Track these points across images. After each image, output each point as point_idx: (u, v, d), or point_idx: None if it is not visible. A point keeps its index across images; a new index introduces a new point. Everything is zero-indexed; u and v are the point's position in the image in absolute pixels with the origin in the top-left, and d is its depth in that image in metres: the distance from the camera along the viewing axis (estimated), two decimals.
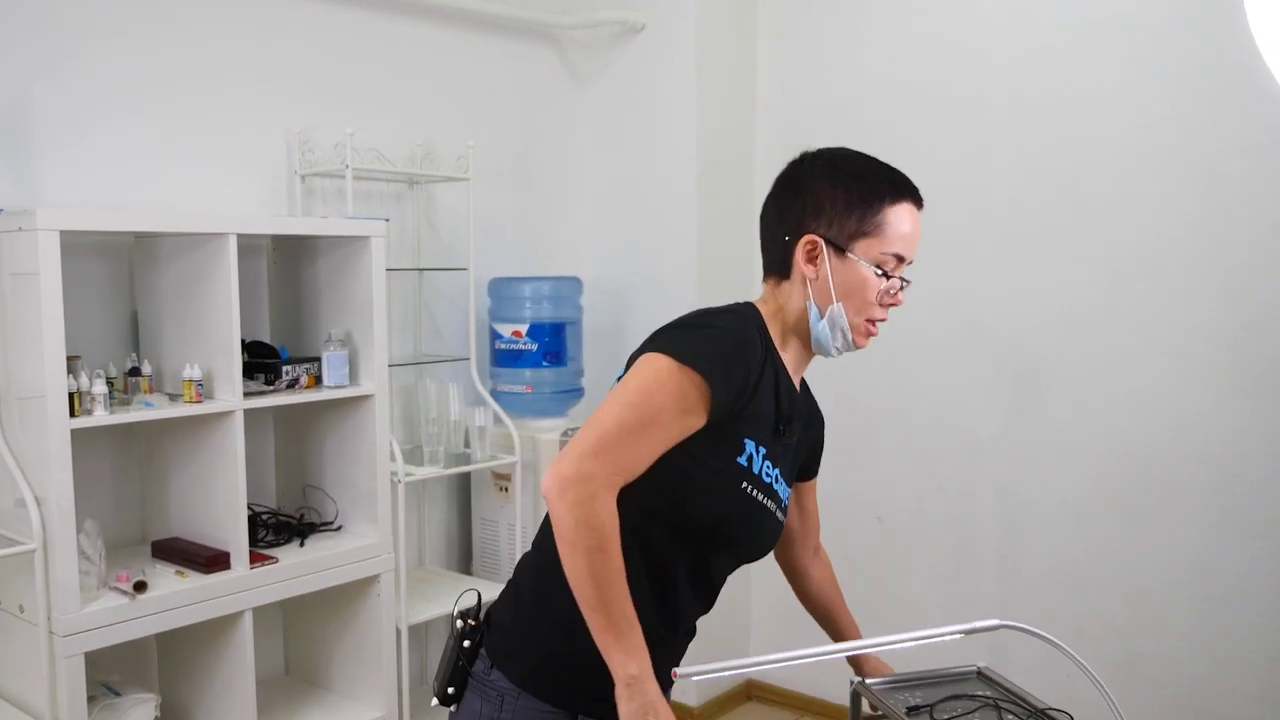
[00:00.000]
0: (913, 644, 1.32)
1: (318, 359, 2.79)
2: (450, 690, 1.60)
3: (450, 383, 3.25)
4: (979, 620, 1.46)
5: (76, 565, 2.29)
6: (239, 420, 2.53)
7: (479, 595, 1.69)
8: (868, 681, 1.64)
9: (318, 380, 2.79)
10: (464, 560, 3.63)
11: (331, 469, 2.98)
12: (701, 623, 1.67)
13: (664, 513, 1.49)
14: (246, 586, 2.57)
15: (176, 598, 2.44)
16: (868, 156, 1.58)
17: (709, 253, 3.69)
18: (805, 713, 3.82)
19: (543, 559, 1.60)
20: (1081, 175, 3.11)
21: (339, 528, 2.95)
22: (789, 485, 1.63)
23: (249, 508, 2.64)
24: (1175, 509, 3.01)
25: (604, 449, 1.38)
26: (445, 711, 1.63)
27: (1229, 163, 2.87)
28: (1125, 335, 3.07)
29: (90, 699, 2.36)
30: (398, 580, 2.96)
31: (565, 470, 1.37)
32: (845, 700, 1.65)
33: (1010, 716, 1.53)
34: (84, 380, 2.31)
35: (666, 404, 1.41)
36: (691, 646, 1.66)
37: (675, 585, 1.55)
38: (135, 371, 2.53)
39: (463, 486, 3.61)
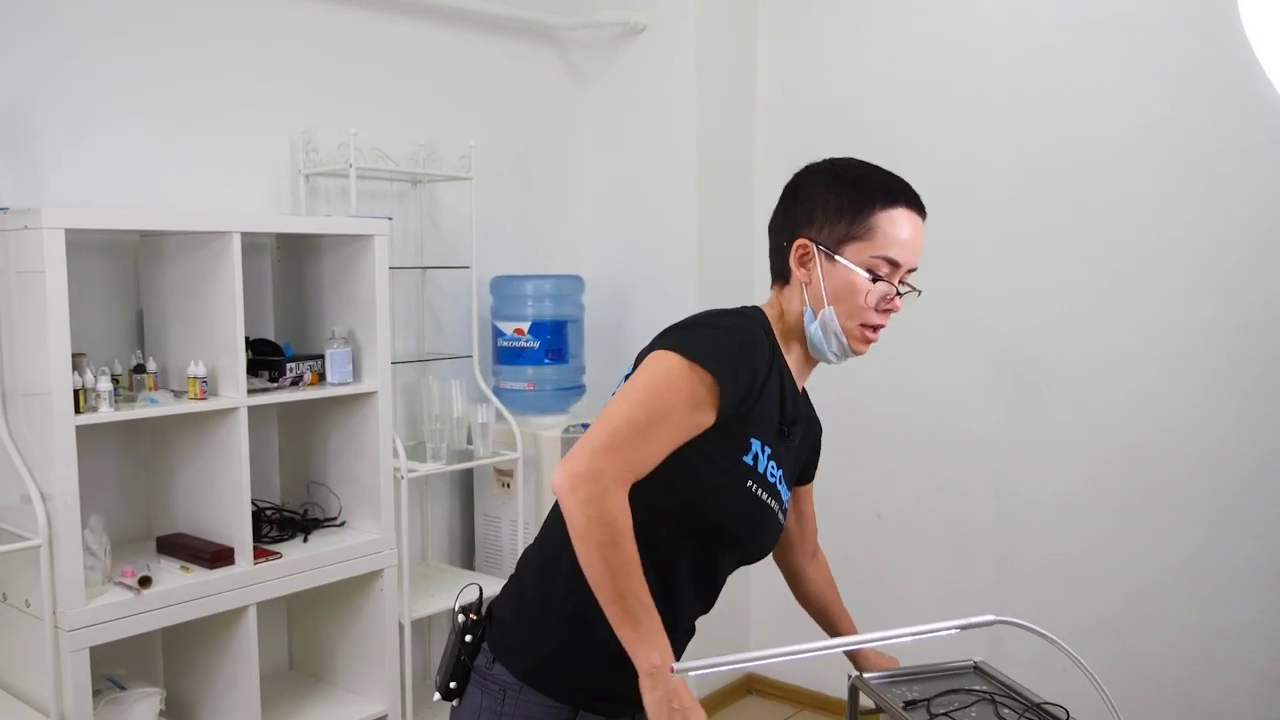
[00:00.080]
0: (910, 639, 1.34)
1: (321, 356, 2.81)
2: (452, 685, 1.61)
3: (453, 380, 3.27)
4: (976, 616, 1.47)
5: (82, 560, 2.31)
6: (243, 417, 2.55)
7: (480, 590, 1.69)
8: (865, 676, 1.66)
9: (321, 377, 2.80)
10: (467, 556, 3.65)
11: (335, 465, 2.99)
12: (702, 621, 1.68)
13: (673, 510, 1.50)
14: (251, 582, 2.59)
15: (181, 593, 2.46)
16: (869, 165, 1.59)
17: (709, 252, 3.70)
18: (805, 707, 3.84)
19: (545, 555, 1.61)
20: (1081, 175, 3.13)
21: (342, 523, 2.97)
22: (789, 488, 1.65)
23: (253, 504, 2.66)
24: (1171, 507, 3.03)
25: (614, 445, 1.39)
26: (439, 697, 1.63)
27: (1228, 163, 2.88)
28: (1123, 335, 3.08)
29: (95, 693, 2.37)
30: (401, 575, 2.98)
31: (576, 467, 1.38)
32: (844, 694, 1.67)
33: (1007, 711, 1.55)
34: (89, 377, 2.32)
35: (676, 401, 1.42)
36: (692, 643, 1.68)
37: (679, 584, 1.56)
38: (140, 368, 2.55)
39: (465, 483, 3.63)
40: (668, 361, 1.44)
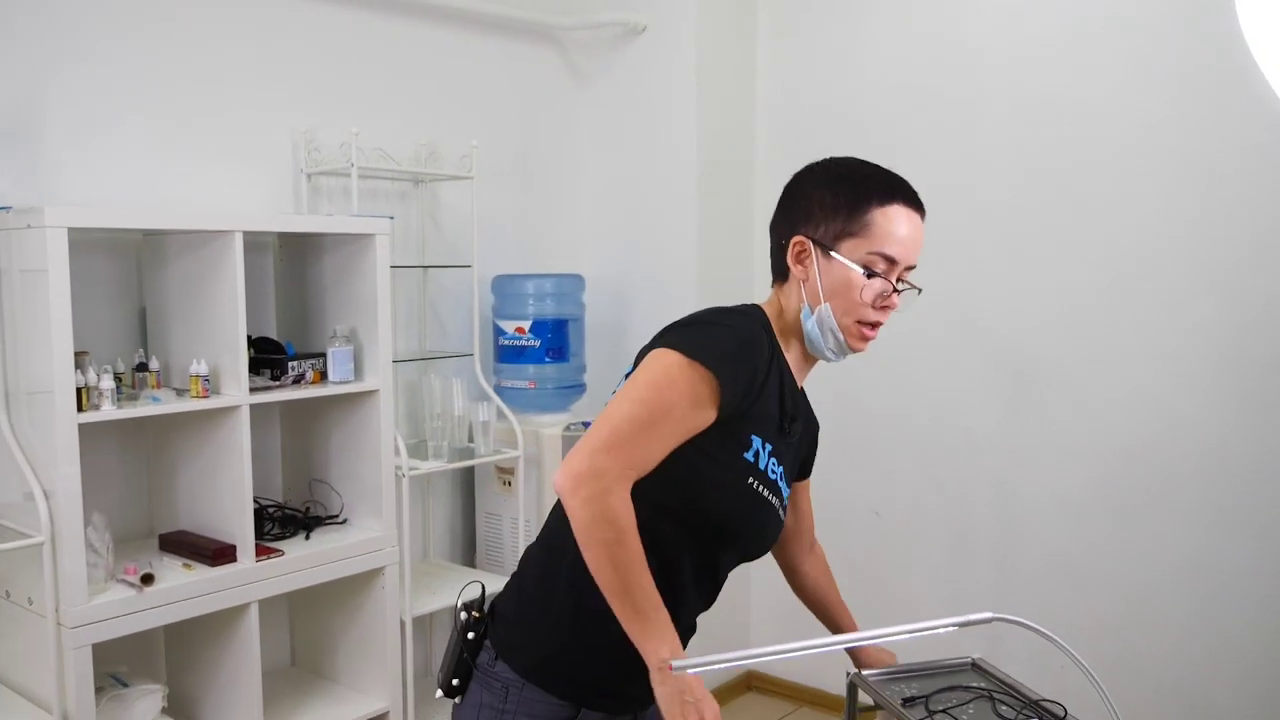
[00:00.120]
0: (908, 636, 1.34)
1: (323, 355, 2.82)
2: (454, 682, 1.61)
3: (454, 378, 3.28)
4: (973, 613, 1.48)
5: (84, 558, 2.32)
6: (245, 415, 2.56)
7: (483, 587, 1.69)
8: (864, 673, 1.66)
9: (323, 376, 2.81)
10: (468, 553, 3.66)
11: (337, 463, 3.00)
12: (702, 618, 1.69)
13: (675, 508, 1.50)
14: (253, 579, 2.60)
15: (183, 590, 2.47)
16: (868, 163, 1.59)
17: (709, 252, 3.71)
18: (804, 703, 3.85)
19: (547, 553, 1.62)
20: (1080, 175, 3.13)
21: (344, 521, 2.98)
22: (789, 485, 1.65)
23: (255, 501, 2.67)
24: (1171, 507, 3.03)
25: (616, 444, 1.39)
26: (443, 697, 1.64)
27: (1228, 163, 2.89)
28: (1123, 335, 3.09)
29: (98, 689, 2.38)
30: (402, 573, 2.99)
31: (578, 466, 1.38)
32: (843, 691, 1.68)
33: (1004, 708, 1.56)
34: (92, 375, 2.33)
35: (677, 399, 1.42)
36: (692, 641, 1.68)
37: (682, 582, 1.56)
38: (143, 367, 2.56)
39: (466, 480, 3.64)
40: (668, 360, 1.44)
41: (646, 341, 1.53)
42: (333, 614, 3.02)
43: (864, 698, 1.64)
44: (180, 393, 2.58)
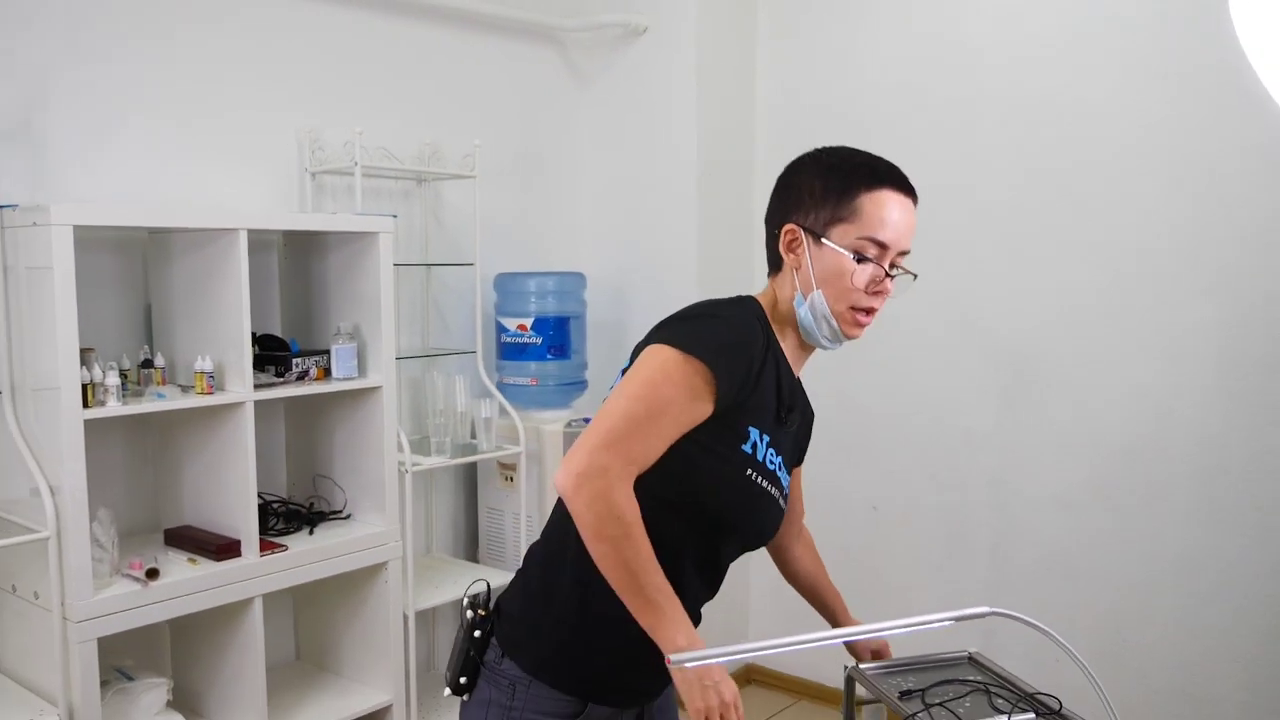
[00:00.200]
0: (905, 630, 1.36)
1: (327, 352, 2.83)
2: (462, 680, 1.61)
3: (457, 375, 3.30)
4: (970, 608, 1.50)
5: (90, 552, 2.33)
6: (249, 411, 2.57)
7: (488, 585, 1.70)
8: (861, 666, 1.68)
9: (327, 372, 2.83)
10: (470, 548, 3.68)
11: (340, 459, 3.02)
12: (702, 611, 1.71)
13: (674, 501, 1.50)
14: (257, 573, 2.62)
15: (188, 584, 2.49)
16: (858, 151, 1.58)
17: (709, 252, 3.73)
18: (803, 696, 3.87)
19: (549, 550, 1.62)
20: (1080, 175, 3.14)
21: (348, 516, 3.00)
22: (789, 473, 1.65)
23: (259, 496, 2.69)
24: (1167, 504, 3.05)
25: (614, 441, 1.40)
26: (451, 695, 1.64)
27: (1227, 163, 2.90)
28: (1122, 334, 3.10)
29: (103, 683, 2.39)
30: (405, 567, 3.01)
31: (578, 465, 1.39)
32: (841, 684, 1.70)
33: (1000, 701, 1.58)
34: (97, 372, 2.34)
35: (673, 394, 1.43)
36: (696, 631, 1.70)
37: (685, 575, 1.56)
38: (148, 363, 2.57)
39: (469, 476, 3.66)
40: (663, 355, 1.45)
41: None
42: (336, 608, 3.04)
43: (862, 691, 1.66)
44: (185, 389, 2.60)
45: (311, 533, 2.86)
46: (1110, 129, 3.08)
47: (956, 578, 3.48)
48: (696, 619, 1.67)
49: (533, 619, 1.60)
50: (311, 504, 3.02)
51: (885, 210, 1.51)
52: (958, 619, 1.48)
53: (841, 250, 1.51)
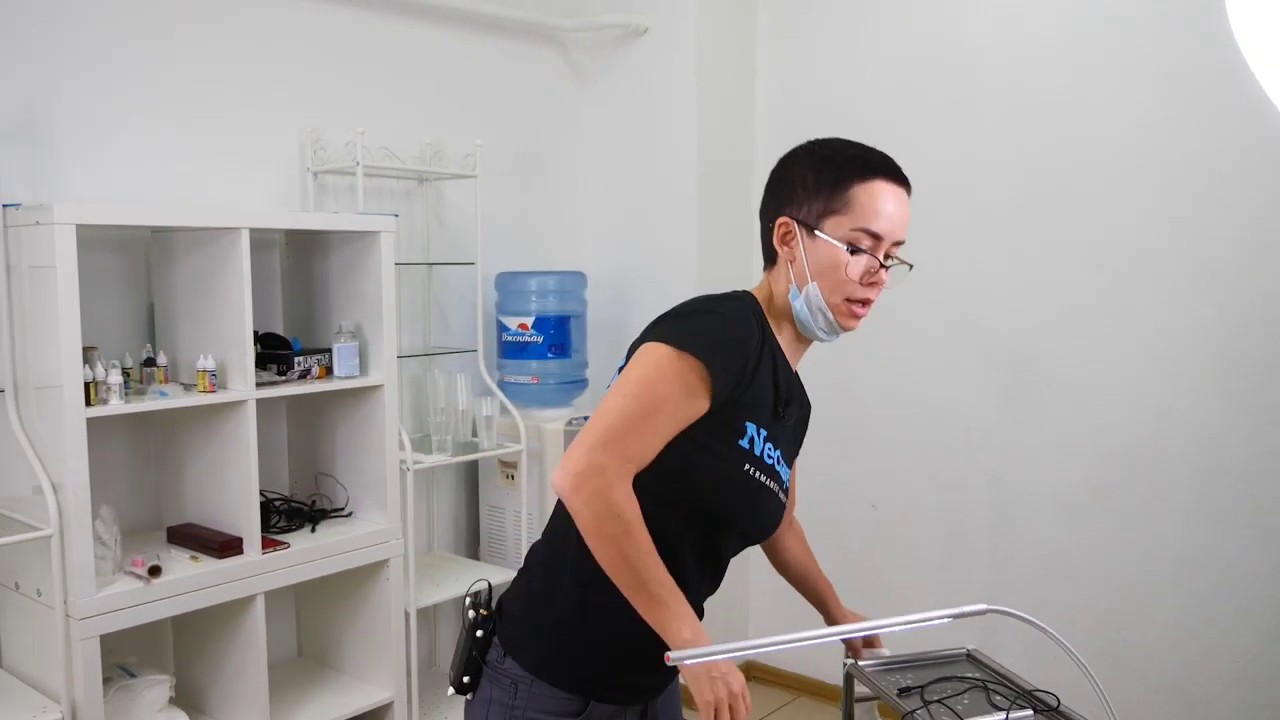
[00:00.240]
0: (904, 628, 1.37)
1: (329, 350, 2.84)
2: (465, 679, 1.62)
3: (458, 374, 3.31)
4: (969, 605, 1.50)
5: (92, 550, 2.34)
6: (252, 409, 2.58)
7: (489, 585, 1.70)
8: (860, 663, 1.69)
9: (329, 371, 2.84)
10: (471, 546, 3.69)
11: (342, 457, 3.03)
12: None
13: (672, 498, 1.50)
14: (259, 571, 2.63)
15: (190, 582, 2.50)
16: (851, 143, 1.58)
17: (709, 252, 3.74)
18: (802, 693, 3.88)
19: (551, 548, 1.63)
20: (1079, 175, 3.14)
21: (350, 514, 3.01)
22: (788, 466, 1.65)
23: (262, 494, 2.69)
24: (1166, 503, 3.06)
25: (611, 440, 1.40)
26: (453, 692, 1.65)
27: (1226, 163, 2.90)
28: (1121, 334, 3.11)
29: (106, 680, 2.40)
30: (407, 565, 3.02)
31: (576, 465, 1.39)
32: (841, 681, 1.70)
33: (998, 698, 1.59)
34: (100, 370, 2.35)
35: (669, 392, 1.43)
36: None
37: (686, 571, 1.56)
38: (151, 362, 2.57)
39: (470, 474, 3.67)
40: (658, 353, 1.45)
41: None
42: (338, 605, 3.05)
43: (861, 688, 1.67)
44: (187, 387, 2.61)
45: (313, 530, 2.87)
46: (1110, 129, 3.08)
47: (956, 577, 3.48)
48: (699, 613, 1.68)
49: (534, 619, 1.60)
50: (313, 502, 3.03)
51: (879, 201, 1.51)
52: (956, 616, 1.48)
53: (835, 242, 1.51)
